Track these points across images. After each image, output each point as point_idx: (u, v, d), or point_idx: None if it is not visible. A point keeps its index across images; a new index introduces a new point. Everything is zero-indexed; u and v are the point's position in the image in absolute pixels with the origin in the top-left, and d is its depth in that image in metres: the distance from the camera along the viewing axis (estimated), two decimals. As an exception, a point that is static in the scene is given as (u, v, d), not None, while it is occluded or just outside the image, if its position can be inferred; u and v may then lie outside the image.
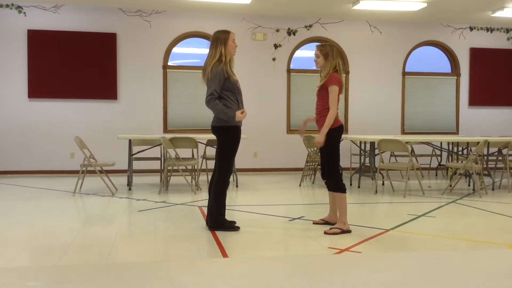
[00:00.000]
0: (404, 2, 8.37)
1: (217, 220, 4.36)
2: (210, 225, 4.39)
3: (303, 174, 8.00)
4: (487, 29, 10.27)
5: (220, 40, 4.29)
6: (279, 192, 7.00)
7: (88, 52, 8.83)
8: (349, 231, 4.33)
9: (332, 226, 4.39)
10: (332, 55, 4.37)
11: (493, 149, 8.08)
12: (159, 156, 7.61)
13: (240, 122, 4.38)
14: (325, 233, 4.29)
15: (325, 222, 4.62)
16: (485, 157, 7.66)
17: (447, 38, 10.12)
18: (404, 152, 6.74)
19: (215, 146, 8.31)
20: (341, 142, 4.55)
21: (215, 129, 4.40)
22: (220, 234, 4.25)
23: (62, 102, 8.86)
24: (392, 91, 10.00)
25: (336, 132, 4.39)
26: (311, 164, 7.94)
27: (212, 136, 7.86)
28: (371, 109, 9.88)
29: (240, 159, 8.80)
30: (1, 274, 3.13)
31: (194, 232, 4.34)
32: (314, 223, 4.68)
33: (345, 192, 4.40)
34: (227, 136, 4.35)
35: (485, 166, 7.54)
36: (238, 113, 4.28)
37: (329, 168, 4.44)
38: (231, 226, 4.39)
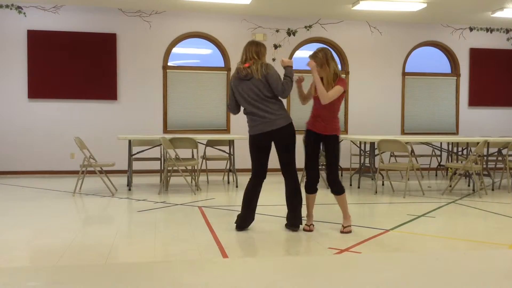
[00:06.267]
0: (404, 3, 8.37)
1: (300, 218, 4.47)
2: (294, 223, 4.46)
3: (303, 174, 7.99)
4: (487, 30, 10.27)
5: (262, 53, 4.48)
6: (279, 193, 6.96)
7: (88, 53, 8.83)
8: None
9: (346, 225, 4.44)
10: (327, 62, 4.31)
11: (493, 150, 8.08)
12: (159, 156, 7.61)
13: None
14: (342, 232, 4.40)
15: None
16: (485, 158, 7.66)
17: (447, 39, 10.13)
18: (404, 152, 6.74)
19: (216, 147, 8.30)
20: (340, 143, 4.58)
21: (286, 129, 4.42)
22: (220, 234, 4.25)
23: (62, 103, 8.85)
24: (392, 91, 10.00)
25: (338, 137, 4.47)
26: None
27: (211, 137, 7.89)
28: (371, 110, 9.88)
29: (240, 160, 8.81)
30: (1, 274, 3.13)
31: (194, 233, 4.34)
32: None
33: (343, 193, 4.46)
34: (293, 132, 4.46)
35: (485, 166, 7.54)
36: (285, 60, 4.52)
37: (331, 170, 4.46)
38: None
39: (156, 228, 4.51)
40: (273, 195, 6.76)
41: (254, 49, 4.39)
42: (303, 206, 4.48)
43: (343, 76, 9.60)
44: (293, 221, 4.44)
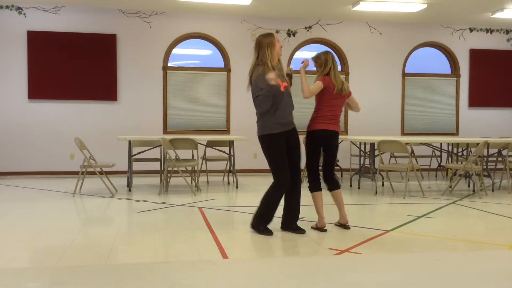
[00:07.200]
0: (404, 3, 8.37)
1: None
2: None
3: (302, 175, 7.98)
4: (487, 30, 10.27)
5: (272, 44, 4.28)
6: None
7: (88, 53, 8.83)
8: (321, 229, 4.45)
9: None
10: (326, 64, 4.55)
11: (493, 150, 8.08)
12: (159, 157, 7.61)
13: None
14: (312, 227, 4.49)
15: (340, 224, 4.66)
16: (485, 158, 7.66)
17: (447, 39, 10.13)
18: (404, 153, 6.74)
19: (216, 148, 8.29)
20: (340, 143, 4.62)
21: (259, 138, 4.42)
22: (220, 235, 4.25)
23: (62, 103, 8.86)
24: (392, 92, 10.00)
25: (313, 135, 4.68)
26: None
27: (211, 137, 7.89)
28: (371, 110, 9.87)
29: (240, 160, 8.82)
30: (1, 275, 3.13)
31: (194, 233, 4.34)
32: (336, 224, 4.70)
33: (312, 192, 4.52)
34: (263, 142, 4.41)
35: (485, 167, 7.54)
36: (271, 75, 4.17)
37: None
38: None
39: (156, 229, 4.51)
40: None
41: (267, 41, 4.29)
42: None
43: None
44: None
